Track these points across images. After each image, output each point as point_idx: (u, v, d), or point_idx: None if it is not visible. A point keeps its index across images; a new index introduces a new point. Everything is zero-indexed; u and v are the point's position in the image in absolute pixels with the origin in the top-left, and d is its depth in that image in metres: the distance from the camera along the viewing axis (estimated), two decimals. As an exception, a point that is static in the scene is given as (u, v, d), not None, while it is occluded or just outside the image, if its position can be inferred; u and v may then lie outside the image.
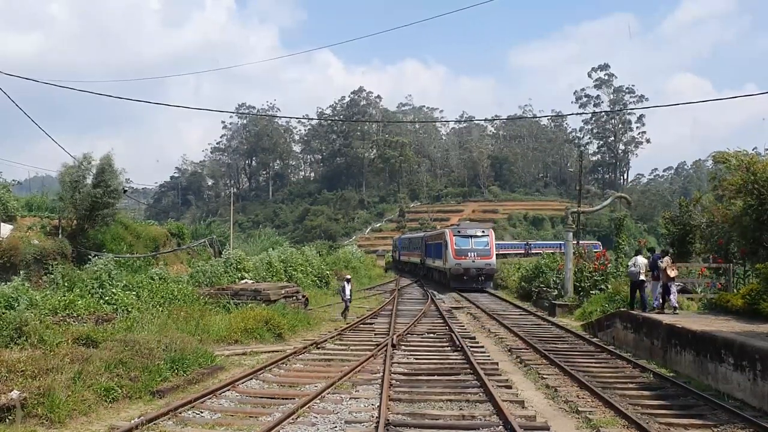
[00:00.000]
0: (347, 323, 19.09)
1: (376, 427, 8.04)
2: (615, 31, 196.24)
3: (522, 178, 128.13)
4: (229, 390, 10.25)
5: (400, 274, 53.14)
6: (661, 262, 15.43)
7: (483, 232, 35.84)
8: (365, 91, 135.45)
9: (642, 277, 16.14)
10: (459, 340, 14.85)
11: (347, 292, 21.55)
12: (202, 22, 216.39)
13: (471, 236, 35.00)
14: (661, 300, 15.46)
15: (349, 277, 23.83)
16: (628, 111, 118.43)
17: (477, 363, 12.16)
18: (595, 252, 29.15)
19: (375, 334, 17.03)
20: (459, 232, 35.85)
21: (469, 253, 34.22)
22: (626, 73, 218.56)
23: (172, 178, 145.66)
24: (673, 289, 15.26)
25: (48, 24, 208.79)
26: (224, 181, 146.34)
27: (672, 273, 15.11)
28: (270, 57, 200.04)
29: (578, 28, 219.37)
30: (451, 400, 9.69)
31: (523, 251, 64.77)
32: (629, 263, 16.95)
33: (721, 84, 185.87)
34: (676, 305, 15.21)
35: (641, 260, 16.35)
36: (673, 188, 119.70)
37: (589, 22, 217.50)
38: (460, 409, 9.27)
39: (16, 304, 12.99)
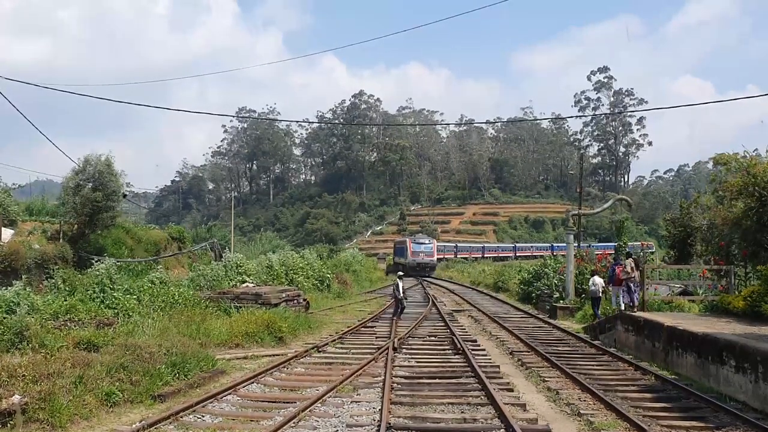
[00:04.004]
0: (349, 327, 19.05)
1: (378, 431, 8.03)
2: (619, 34, 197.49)
3: (523, 181, 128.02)
4: (230, 394, 10.24)
5: None
6: (620, 265, 17.49)
7: (429, 241, 57.11)
8: (366, 94, 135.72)
9: (600, 294, 19.21)
10: (460, 343, 14.83)
11: (401, 290, 21.21)
12: (208, 27, 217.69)
13: (422, 243, 55.43)
14: (629, 301, 16.88)
15: (401, 273, 23.58)
16: (629, 113, 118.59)
17: (478, 366, 12.15)
18: (597, 254, 29.07)
19: (376, 338, 17.01)
20: (415, 240, 56.46)
21: (420, 254, 53.97)
22: (631, 76, 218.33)
23: (173, 182, 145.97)
24: (634, 288, 16.83)
25: (57, 29, 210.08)
26: (225, 185, 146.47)
27: (631, 274, 16.79)
28: (275, 60, 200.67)
29: (583, 30, 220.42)
30: (452, 404, 9.68)
31: (480, 254, 73.49)
32: (590, 283, 19.73)
33: (723, 86, 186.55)
34: (626, 304, 16.78)
35: (598, 280, 19.44)
36: (674, 190, 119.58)
37: (594, 24, 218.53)
38: (462, 412, 9.25)
39: (18, 309, 12.96)
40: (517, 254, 71.57)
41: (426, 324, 19.91)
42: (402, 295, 21.35)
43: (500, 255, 73.28)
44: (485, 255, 72.93)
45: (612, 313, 17.50)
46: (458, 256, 71.21)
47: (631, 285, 17.02)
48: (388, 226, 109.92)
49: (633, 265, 17.28)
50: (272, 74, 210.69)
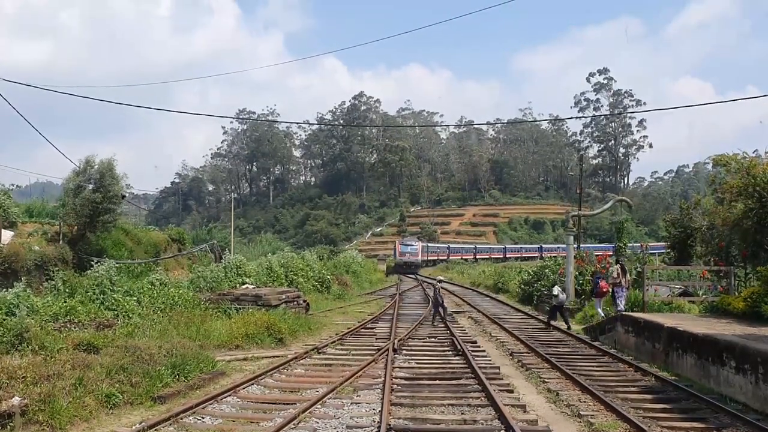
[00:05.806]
0: (349, 328, 19.04)
1: (378, 432, 8.03)
2: (620, 35, 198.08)
3: (522, 182, 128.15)
4: (230, 395, 10.23)
5: (401, 278, 53.36)
6: (602, 279, 18.44)
7: (415, 243, 64.78)
8: (365, 96, 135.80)
9: (566, 304, 20.07)
10: (460, 345, 14.82)
11: (441, 295, 20.49)
12: (209, 29, 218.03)
13: (409, 245, 63.33)
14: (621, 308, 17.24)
15: (441, 277, 22.94)
16: (629, 115, 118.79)
17: (478, 367, 12.14)
18: (597, 255, 29.04)
19: (376, 339, 16.99)
20: (403, 243, 64.75)
21: (406, 254, 61.57)
22: (631, 77, 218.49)
23: (172, 183, 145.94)
24: (620, 293, 17.43)
25: (58, 31, 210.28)
26: (225, 187, 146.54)
27: (617, 280, 17.47)
28: (276, 62, 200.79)
29: (583, 31, 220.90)
30: (452, 405, 9.68)
31: (501, 255, 76.79)
32: (556, 292, 19.82)
33: (723, 86, 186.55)
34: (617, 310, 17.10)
35: (561, 288, 20.35)
36: (674, 191, 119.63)
37: (595, 25, 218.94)
38: (462, 413, 9.25)
39: (17, 311, 12.95)
40: (543, 254, 71.03)
41: (426, 325, 19.91)
42: (442, 300, 20.41)
43: (524, 256, 74.33)
44: (507, 256, 74.84)
45: (598, 321, 17.80)
46: (478, 257, 74.34)
47: (617, 291, 17.32)
48: (388, 227, 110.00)
49: (620, 270, 17.53)
50: (273, 76, 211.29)
